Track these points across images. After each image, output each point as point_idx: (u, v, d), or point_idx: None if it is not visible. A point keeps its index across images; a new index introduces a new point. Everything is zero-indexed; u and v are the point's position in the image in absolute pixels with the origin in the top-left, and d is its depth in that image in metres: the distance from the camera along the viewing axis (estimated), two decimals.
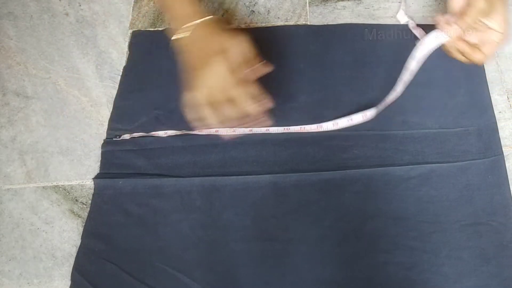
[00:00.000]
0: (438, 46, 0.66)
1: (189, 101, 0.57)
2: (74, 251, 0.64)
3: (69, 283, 0.61)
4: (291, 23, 0.81)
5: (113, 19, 0.84)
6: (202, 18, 0.60)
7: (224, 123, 0.57)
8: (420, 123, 0.69)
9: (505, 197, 0.63)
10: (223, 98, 0.55)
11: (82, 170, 0.70)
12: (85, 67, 0.79)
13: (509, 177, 0.65)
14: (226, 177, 0.66)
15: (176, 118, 0.72)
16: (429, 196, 0.63)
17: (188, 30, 0.59)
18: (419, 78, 0.73)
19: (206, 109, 0.56)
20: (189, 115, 0.58)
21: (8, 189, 0.69)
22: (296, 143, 0.69)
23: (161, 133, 0.70)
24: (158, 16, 0.83)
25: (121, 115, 0.73)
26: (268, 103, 0.58)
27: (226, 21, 0.62)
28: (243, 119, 0.57)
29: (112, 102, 0.75)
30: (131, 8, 0.84)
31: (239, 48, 0.56)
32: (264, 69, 0.58)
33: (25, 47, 0.81)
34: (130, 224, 0.64)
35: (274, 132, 0.70)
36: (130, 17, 0.83)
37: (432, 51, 0.67)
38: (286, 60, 0.77)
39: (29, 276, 0.62)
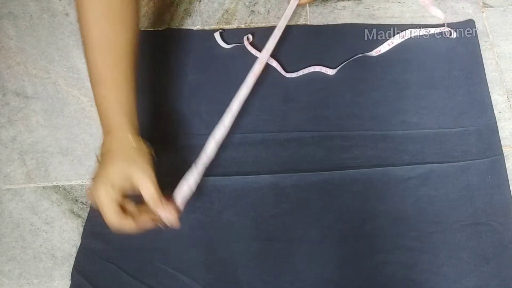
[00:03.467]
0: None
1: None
2: (74, 251, 0.63)
3: (69, 283, 0.61)
4: (291, 23, 0.81)
5: None
6: (126, 134, 0.56)
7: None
8: (420, 123, 0.69)
9: (505, 197, 0.63)
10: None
11: (82, 170, 0.70)
12: (85, 67, 0.78)
13: (509, 177, 0.65)
14: (226, 177, 0.66)
15: (176, 118, 0.72)
16: (429, 196, 0.63)
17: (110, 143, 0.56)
18: (419, 78, 0.73)
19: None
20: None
21: (8, 189, 0.69)
22: (296, 143, 0.69)
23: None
24: (158, 16, 0.83)
25: None
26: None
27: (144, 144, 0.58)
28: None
29: None
30: None
31: (144, 184, 0.53)
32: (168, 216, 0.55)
33: (25, 47, 0.81)
34: None
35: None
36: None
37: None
38: (286, 60, 0.77)
39: (29, 276, 0.62)
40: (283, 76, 0.75)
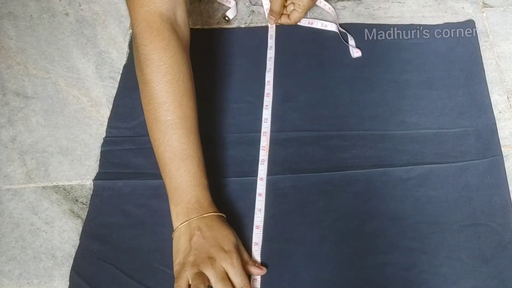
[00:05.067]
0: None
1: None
2: (74, 251, 0.63)
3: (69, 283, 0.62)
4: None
5: (113, 19, 0.84)
6: (207, 211, 0.58)
7: None
8: (419, 123, 0.69)
9: (504, 198, 0.63)
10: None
11: (82, 170, 0.70)
12: (85, 67, 0.79)
13: (508, 177, 0.65)
14: (224, 179, 0.66)
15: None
16: (428, 196, 0.63)
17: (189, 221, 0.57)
18: (418, 78, 0.73)
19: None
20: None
21: (8, 189, 0.69)
22: (295, 143, 0.69)
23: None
24: None
25: (120, 113, 0.74)
26: None
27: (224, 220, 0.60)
28: None
29: (112, 102, 0.75)
30: None
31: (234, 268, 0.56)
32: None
33: (25, 47, 0.81)
34: (128, 225, 0.64)
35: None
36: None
37: None
38: (286, 60, 0.77)
39: (29, 276, 0.62)
40: (282, 76, 0.75)
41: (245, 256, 0.58)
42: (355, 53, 0.76)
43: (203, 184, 0.59)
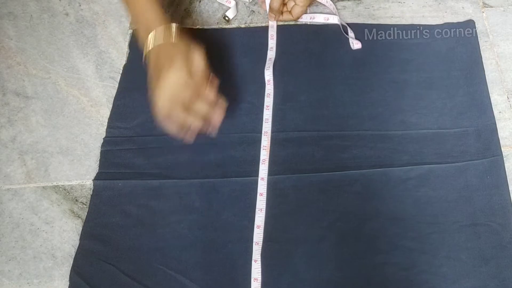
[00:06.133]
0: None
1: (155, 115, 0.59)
2: (74, 251, 0.64)
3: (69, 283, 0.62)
4: (291, 23, 0.81)
5: (113, 19, 0.84)
6: (163, 24, 0.62)
7: (185, 132, 0.60)
8: (419, 123, 0.69)
9: (504, 198, 0.63)
10: (183, 108, 0.58)
11: (82, 170, 0.70)
12: (85, 67, 0.79)
13: (508, 177, 0.65)
14: (225, 179, 0.66)
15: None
16: (428, 196, 0.63)
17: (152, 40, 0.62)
18: (418, 78, 0.73)
19: (168, 122, 0.59)
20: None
21: (8, 189, 0.69)
22: (295, 143, 0.69)
23: None
24: None
25: (120, 113, 0.74)
26: (223, 104, 0.61)
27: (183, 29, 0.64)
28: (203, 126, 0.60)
29: (112, 102, 0.75)
30: None
31: (196, 61, 0.60)
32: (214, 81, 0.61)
33: (25, 47, 0.81)
34: (128, 225, 0.64)
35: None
36: (130, 17, 0.84)
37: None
38: (286, 60, 0.77)
39: (29, 276, 0.63)
40: (282, 76, 0.75)
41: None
42: (355, 44, 0.76)
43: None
